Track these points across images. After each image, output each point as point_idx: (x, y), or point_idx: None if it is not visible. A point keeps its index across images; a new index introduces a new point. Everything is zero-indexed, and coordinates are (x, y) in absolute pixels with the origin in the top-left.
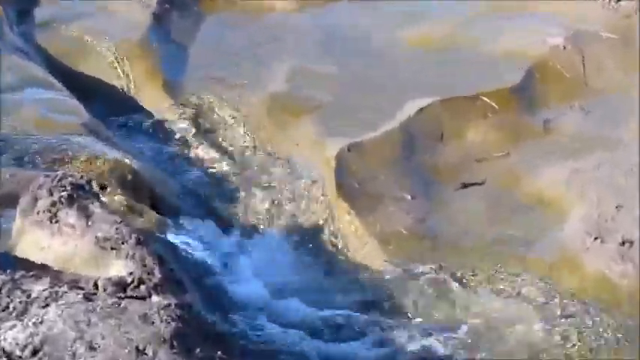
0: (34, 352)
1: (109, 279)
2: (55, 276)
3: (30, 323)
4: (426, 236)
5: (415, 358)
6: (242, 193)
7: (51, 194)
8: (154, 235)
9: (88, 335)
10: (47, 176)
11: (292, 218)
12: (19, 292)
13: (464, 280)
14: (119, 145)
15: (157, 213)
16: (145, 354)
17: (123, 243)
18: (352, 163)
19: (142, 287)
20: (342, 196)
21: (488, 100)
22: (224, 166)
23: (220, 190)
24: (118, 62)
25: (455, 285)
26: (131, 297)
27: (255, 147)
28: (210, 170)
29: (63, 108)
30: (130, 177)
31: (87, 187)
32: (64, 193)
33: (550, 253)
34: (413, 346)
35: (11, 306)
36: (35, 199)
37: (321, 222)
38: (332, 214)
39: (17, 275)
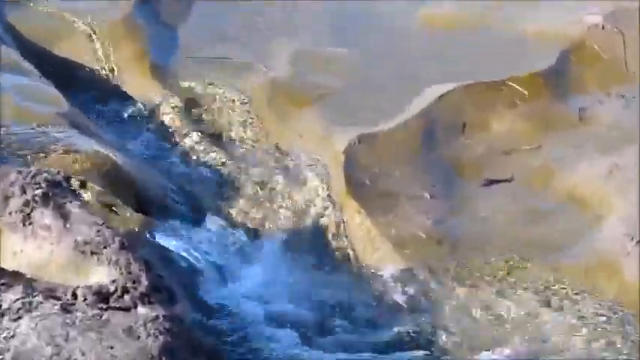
0: None
1: (90, 288)
2: (29, 284)
3: (0, 338)
4: (446, 239)
5: None
6: (239, 191)
7: (24, 192)
8: (140, 238)
9: (65, 351)
10: (19, 172)
11: (295, 219)
12: None
13: (488, 289)
14: (101, 137)
15: (144, 213)
16: None
17: (105, 247)
18: (363, 157)
19: (127, 297)
20: (352, 195)
21: (516, 87)
22: (219, 161)
23: (214, 187)
24: (101, 45)
25: (478, 294)
26: (114, 308)
27: (253, 139)
28: (204, 165)
29: (38, 95)
30: (112, 173)
31: (64, 185)
32: (39, 192)
33: (586, 257)
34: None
35: None
36: (6, 198)
37: (327, 223)
38: (340, 214)
39: None
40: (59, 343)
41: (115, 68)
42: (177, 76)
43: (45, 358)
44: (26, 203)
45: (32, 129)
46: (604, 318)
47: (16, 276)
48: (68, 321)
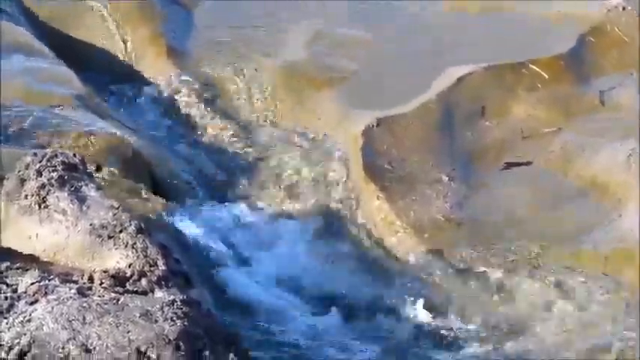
0: (22, 355)
1: (106, 272)
2: (45, 268)
3: (16, 321)
4: (465, 223)
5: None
6: (256, 175)
7: (40, 175)
8: (157, 222)
9: (82, 335)
10: (35, 155)
11: (313, 203)
12: (3, 287)
13: (507, 273)
14: (117, 120)
15: (160, 196)
16: (148, 356)
17: (121, 231)
18: (381, 140)
19: (144, 281)
20: (370, 178)
21: (537, 69)
22: (236, 144)
23: (232, 170)
24: (116, 26)
25: (497, 278)
26: (131, 292)
27: (271, 122)
28: (220, 148)
29: (54, 77)
30: (128, 155)
31: (80, 167)
32: (55, 174)
33: (606, 244)
34: (450, 343)
35: None
36: (22, 181)
37: (345, 207)
38: (358, 198)
39: (2, 267)
40: (76, 327)
41: (131, 50)
42: (193, 59)
43: (61, 342)
44: (42, 186)
45: (47, 111)
46: (623, 304)
47: (31, 260)
48: (85, 305)
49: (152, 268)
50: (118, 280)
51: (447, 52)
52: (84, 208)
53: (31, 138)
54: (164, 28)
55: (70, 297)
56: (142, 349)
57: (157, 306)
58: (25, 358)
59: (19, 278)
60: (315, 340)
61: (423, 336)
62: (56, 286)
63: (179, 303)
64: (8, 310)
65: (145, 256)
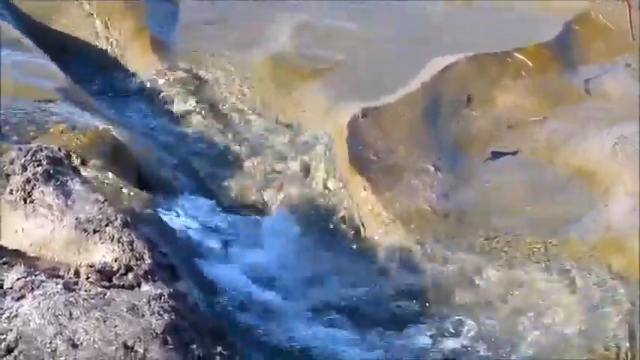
0: (9, 351)
1: (92, 266)
2: (31, 263)
3: (3, 318)
4: (452, 213)
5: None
6: (243, 167)
7: (24, 170)
8: (143, 216)
9: (69, 330)
10: (20, 149)
11: (300, 195)
12: None
13: (495, 263)
14: (102, 114)
15: (146, 189)
16: (135, 351)
17: (107, 225)
18: (367, 131)
19: (130, 275)
20: (357, 170)
21: (522, 58)
22: (222, 137)
23: (218, 163)
24: (101, 19)
25: (485, 268)
26: (117, 286)
27: (257, 114)
28: (206, 141)
29: (37, 71)
30: (114, 149)
31: (66, 162)
32: (40, 169)
33: (593, 232)
34: (437, 336)
35: None
36: (6, 176)
37: (332, 199)
38: (345, 189)
39: None
40: (62, 322)
41: (115, 43)
42: (178, 51)
43: (48, 337)
44: (27, 181)
45: (32, 105)
46: (610, 292)
47: (17, 255)
48: (71, 300)
49: (138, 262)
50: (105, 274)
51: (433, 41)
52: (69, 202)
53: (16, 133)
54: (149, 21)
55: (57, 292)
56: (129, 343)
57: (144, 300)
58: (12, 354)
59: (5, 274)
60: (301, 333)
61: (409, 328)
62: (42, 281)
63: (166, 297)
64: None
65: (131, 250)
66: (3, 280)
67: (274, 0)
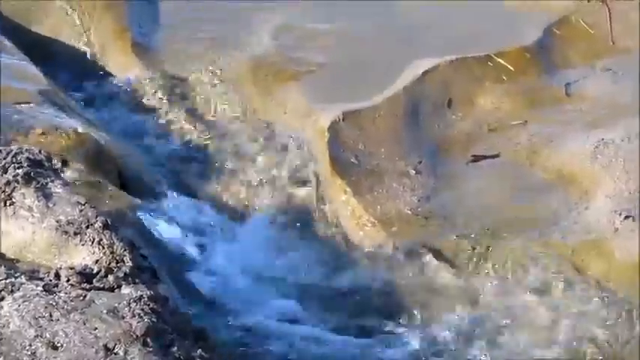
0: None
1: (73, 268)
2: (11, 265)
3: None
4: (433, 217)
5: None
6: (223, 169)
7: (5, 172)
8: (124, 218)
9: (48, 333)
10: (0, 151)
11: (279, 198)
12: None
13: (476, 267)
14: (82, 116)
15: (127, 192)
16: (115, 353)
17: (88, 227)
18: (348, 134)
19: (110, 277)
20: (337, 173)
21: (502, 62)
22: (202, 139)
23: (198, 165)
24: (81, 20)
25: (466, 272)
26: (98, 288)
27: (237, 117)
28: (187, 143)
29: (17, 74)
30: (94, 151)
31: (46, 164)
32: (20, 171)
33: (573, 235)
34: (415, 341)
35: None
36: None
37: (312, 202)
38: (325, 192)
39: None
40: (42, 324)
41: (96, 45)
42: (158, 53)
43: (28, 339)
44: (7, 183)
45: (12, 107)
46: (590, 295)
47: None
48: (51, 302)
49: (119, 264)
50: (85, 276)
51: (414, 44)
52: (50, 204)
53: None
54: (130, 23)
55: (37, 294)
56: (110, 345)
57: (124, 302)
58: None
59: None
60: (283, 333)
61: (389, 332)
62: (22, 283)
63: (146, 299)
64: None
65: (112, 252)
66: None
67: (255, 1)
